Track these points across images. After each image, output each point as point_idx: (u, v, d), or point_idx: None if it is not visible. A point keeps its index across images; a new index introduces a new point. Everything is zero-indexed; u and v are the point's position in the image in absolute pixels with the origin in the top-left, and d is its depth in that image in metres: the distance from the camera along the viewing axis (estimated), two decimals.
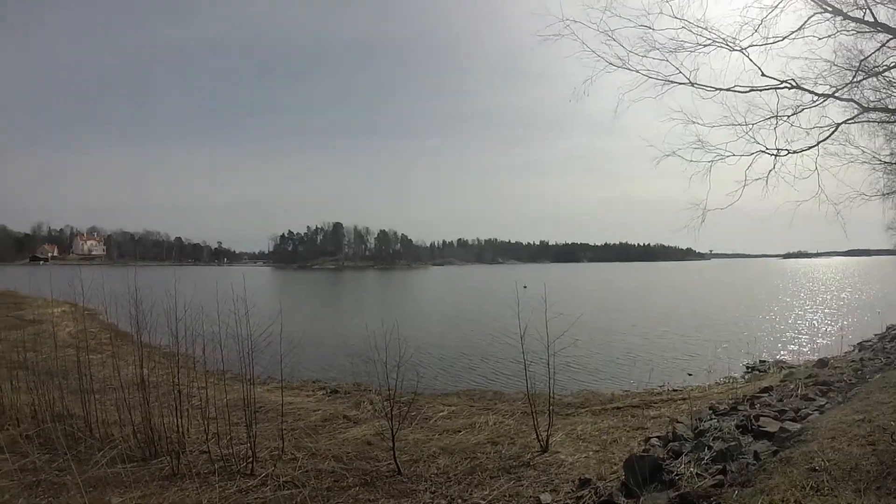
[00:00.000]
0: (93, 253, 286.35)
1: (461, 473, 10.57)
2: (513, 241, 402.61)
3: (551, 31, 12.95)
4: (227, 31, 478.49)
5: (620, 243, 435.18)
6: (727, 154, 12.88)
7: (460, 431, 13.68)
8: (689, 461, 8.20)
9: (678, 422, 12.02)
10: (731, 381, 22.03)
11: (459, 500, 9.62)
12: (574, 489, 9.41)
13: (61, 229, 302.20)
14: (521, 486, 9.82)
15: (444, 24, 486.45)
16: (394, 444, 10.94)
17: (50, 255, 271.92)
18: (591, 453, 11.47)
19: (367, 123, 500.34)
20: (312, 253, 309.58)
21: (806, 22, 11.53)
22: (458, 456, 11.63)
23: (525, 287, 14.59)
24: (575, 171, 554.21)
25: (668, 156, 13.29)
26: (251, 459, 10.88)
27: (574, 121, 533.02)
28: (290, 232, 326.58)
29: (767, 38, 11.95)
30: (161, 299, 12.83)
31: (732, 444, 8.37)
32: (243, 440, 11.81)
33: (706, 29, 12.18)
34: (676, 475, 7.85)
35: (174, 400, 12.11)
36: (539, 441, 11.67)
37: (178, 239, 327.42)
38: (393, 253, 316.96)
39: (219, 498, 9.50)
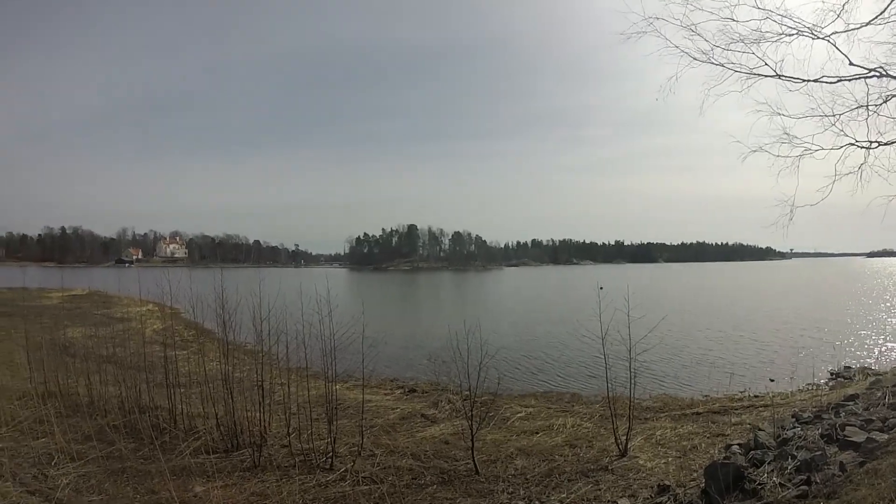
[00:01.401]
0: (175, 256, 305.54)
1: (538, 475, 10.78)
2: (587, 241, 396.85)
3: (634, 30, 12.73)
4: (302, 43, 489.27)
5: (697, 242, 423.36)
6: (815, 148, 12.40)
7: (538, 433, 13.86)
8: (772, 470, 8.18)
9: (760, 429, 11.87)
10: (814, 387, 21.32)
11: (537, 502, 9.75)
12: (653, 495, 9.51)
13: (145, 234, 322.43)
14: (599, 490, 9.97)
15: (513, 27, 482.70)
16: (472, 444, 11.19)
17: (134, 257, 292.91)
18: (670, 459, 11.50)
19: (440, 127, 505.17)
20: (387, 255, 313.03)
21: (890, 4, 11.12)
22: (535, 458, 11.83)
23: (601, 288, 14.39)
24: (651, 169, 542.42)
25: (754, 151, 12.83)
26: (331, 454, 11.38)
27: (649, 118, 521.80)
28: (366, 234, 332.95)
29: (850, 23, 11.52)
30: (246, 299, 13.17)
31: (817, 453, 8.27)
32: (323, 436, 12.32)
33: (788, 17, 11.80)
34: (759, 484, 7.86)
35: (257, 395, 12.50)
36: (618, 445, 11.78)
37: (257, 242, 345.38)
38: (467, 254, 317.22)
39: (299, 490, 9.95)
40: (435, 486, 10.52)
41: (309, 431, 12.43)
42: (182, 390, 14.58)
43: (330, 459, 11.37)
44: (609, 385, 12.89)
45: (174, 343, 16.47)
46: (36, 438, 12.44)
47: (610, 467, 11.13)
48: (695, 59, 12.56)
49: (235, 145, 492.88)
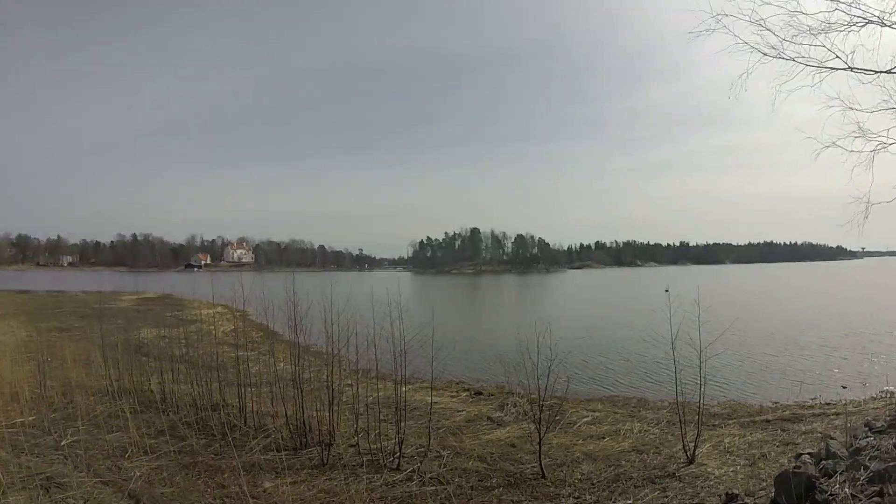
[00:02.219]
0: (242, 260, 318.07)
1: (605, 481, 10.89)
2: (651, 242, 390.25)
3: (703, 27, 12.57)
4: (363, 53, 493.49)
5: (764, 242, 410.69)
6: (890, 141, 12.00)
7: (604, 438, 13.94)
8: (844, 481, 8.08)
9: (831, 438, 11.68)
10: (888, 395, 20.70)
11: None
12: None
13: (213, 240, 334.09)
14: (666, 497, 10.04)
15: (568, 28, 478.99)
16: (540, 448, 11.14)
17: (203, 262, 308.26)
18: (738, 467, 11.49)
19: (500, 130, 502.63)
20: (450, 258, 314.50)
21: None
22: (601, 463, 11.92)
23: (667, 290, 14.25)
24: (716, 167, 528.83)
25: (827, 147, 12.47)
26: (398, 455, 11.50)
27: (714, 115, 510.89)
28: (429, 238, 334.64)
29: None
30: (317, 302, 13.43)
31: (891, 464, 8.09)
32: (390, 436, 12.64)
33: (856, 5, 11.48)
34: (830, 495, 7.78)
35: (326, 395, 12.75)
36: (685, 452, 11.68)
37: (322, 247, 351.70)
38: (530, 257, 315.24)
39: (366, 489, 10.25)
40: (501, 488, 10.66)
41: (376, 431, 12.76)
42: (252, 389, 14.93)
43: (397, 460, 11.68)
44: (678, 390, 12.68)
45: (245, 344, 16.87)
46: (111, 432, 13.07)
47: (677, 474, 11.13)
48: (765, 54, 12.38)
49: (299, 153, 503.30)
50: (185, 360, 18.12)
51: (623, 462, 12.02)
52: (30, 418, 13.80)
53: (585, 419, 16.02)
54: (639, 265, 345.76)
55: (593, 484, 10.83)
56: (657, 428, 15.01)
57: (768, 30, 12.09)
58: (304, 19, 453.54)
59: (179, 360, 17.73)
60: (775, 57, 12.23)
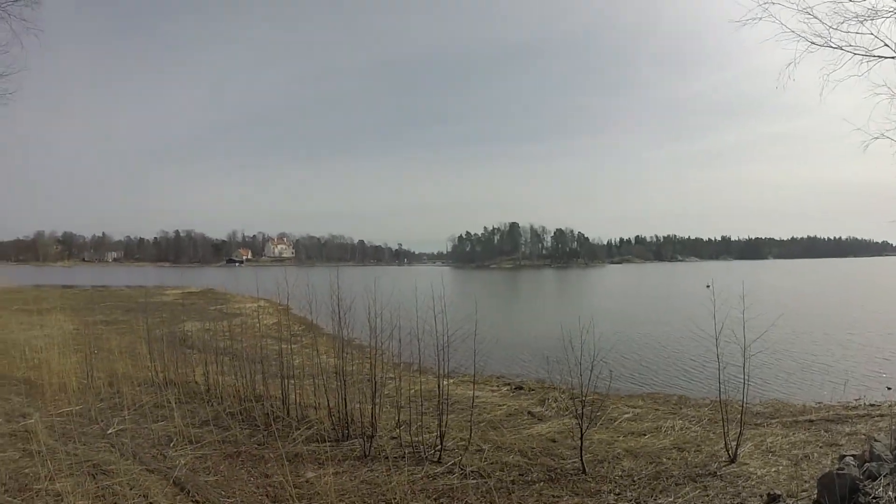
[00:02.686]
0: (283, 255, 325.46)
1: (645, 478, 10.96)
2: (692, 237, 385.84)
3: (749, 16, 12.41)
4: (402, 50, 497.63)
5: (808, 237, 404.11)
6: None
7: (645, 435, 13.96)
8: (888, 484, 8.04)
9: (876, 440, 11.47)
10: None
11: None
12: None
13: (254, 235, 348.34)
14: (708, 495, 10.06)
15: (615, 15, 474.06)
16: (581, 444, 11.17)
17: (244, 258, 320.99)
18: (781, 468, 11.44)
19: (538, 124, 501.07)
20: (489, 252, 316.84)
21: None
22: (642, 460, 11.97)
23: (708, 286, 14.16)
24: (759, 159, 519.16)
25: (876, 138, 12.21)
26: (439, 448, 11.59)
27: (756, 105, 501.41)
28: (468, 233, 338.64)
29: None
30: (360, 296, 13.57)
31: None
32: (431, 429, 12.76)
33: None
34: (874, 498, 7.76)
35: (368, 388, 12.98)
36: (727, 451, 11.58)
37: (361, 241, 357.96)
38: (569, 251, 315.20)
39: (407, 481, 10.43)
40: (542, 483, 10.72)
41: (418, 424, 12.93)
42: (294, 381, 15.08)
43: (438, 452, 11.84)
44: (721, 388, 12.57)
45: (289, 337, 17.10)
46: (156, 422, 13.45)
47: (718, 473, 11.12)
48: (812, 43, 12.19)
49: (338, 150, 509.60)
50: (229, 353, 18.54)
51: (664, 459, 12.03)
52: (77, 408, 14.28)
53: (626, 415, 16.04)
54: (679, 260, 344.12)
55: (634, 481, 10.84)
56: (698, 426, 14.95)
57: (815, 17, 11.93)
58: (340, 16, 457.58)
59: (223, 353, 18.06)
60: (822, 45, 12.05)
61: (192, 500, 9.35)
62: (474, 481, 10.58)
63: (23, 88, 17.35)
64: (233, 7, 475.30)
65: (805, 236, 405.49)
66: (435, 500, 9.90)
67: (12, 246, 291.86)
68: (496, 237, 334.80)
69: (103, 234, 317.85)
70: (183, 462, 11.03)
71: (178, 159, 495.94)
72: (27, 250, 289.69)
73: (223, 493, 9.77)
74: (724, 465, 11.51)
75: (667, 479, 10.88)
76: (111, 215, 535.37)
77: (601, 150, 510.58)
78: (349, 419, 13.27)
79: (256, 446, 12.38)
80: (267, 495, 9.86)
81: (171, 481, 9.98)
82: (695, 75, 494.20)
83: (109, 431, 12.70)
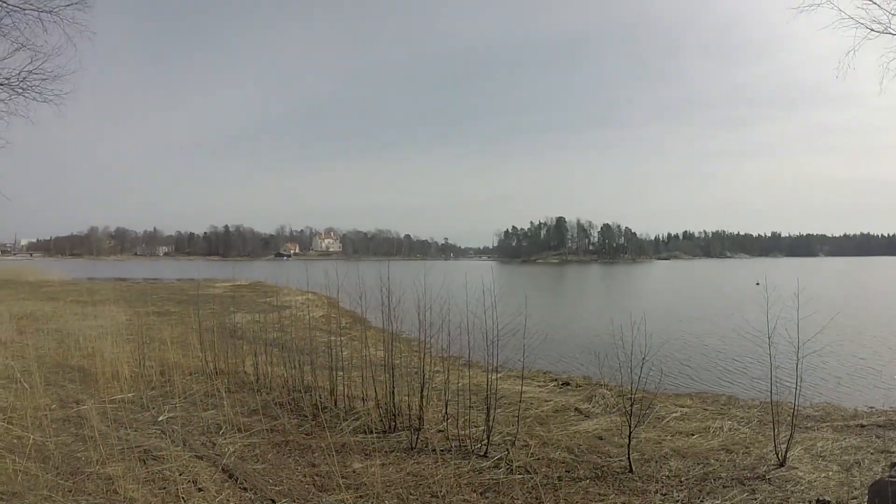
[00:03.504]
0: (330, 250, 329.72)
1: (693, 479, 10.92)
2: (741, 233, 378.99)
3: (808, 3, 12.21)
4: (442, 45, 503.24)
5: (861, 234, 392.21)
6: None
7: (693, 435, 13.84)
8: None
9: None
10: None
11: None
12: None
13: (302, 230, 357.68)
14: (755, 499, 10.07)
15: (650, 10, 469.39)
16: (629, 442, 11.12)
17: (292, 251, 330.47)
18: (830, 473, 11.25)
19: (589, 116, 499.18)
20: (536, 247, 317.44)
21: None
22: (690, 460, 11.92)
23: (758, 284, 13.87)
24: (809, 151, 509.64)
25: None
26: (486, 442, 11.73)
27: (808, 95, 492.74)
28: (514, 227, 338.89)
29: None
30: (410, 289, 13.66)
31: None
32: (477, 423, 12.90)
33: None
34: None
35: (416, 381, 13.23)
36: (777, 454, 11.37)
37: (408, 236, 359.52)
38: (616, 247, 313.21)
39: (454, 474, 10.54)
40: (588, 480, 10.71)
41: (466, 418, 13.21)
42: (342, 373, 15.19)
43: (485, 447, 11.91)
44: (773, 389, 12.38)
45: (338, 329, 17.28)
46: (206, 410, 13.75)
47: (767, 476, 11.00)
48: (872, 30, 11.98)
49: (387, 144, 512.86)
50: (278, 344, 18.96)
51: (712, 461, 11.94)
52: (129, 395, 14.82)
53: (674, 414, 15.94)
54: (728, 256, 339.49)
55: (681, 481, 10.78)
56: (747, 427, 14.76)
57: (874, 3, 11.68)
58: (384, 16, 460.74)
59: (272, 344, 18.34)
60: (882, 32, 11.81)
61: (240, 487, 9.59)
62: (520, 476, 10.60)
63: (77, 89, 17.73)
64: (283, 6, 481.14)
65: (858, 233, 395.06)
66: (481, 493, 9.96)
67: (67, 240, 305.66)
68: (542, 232, 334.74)
69: (154, 229, 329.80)
70: (232, 450, 11.34)
71: (229, 154, 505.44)
72: (81, 245, 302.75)
73: (271, 480, 10.01)
74: (773, 469, 11.36)
75: (714, 480, 10.79)
76: (162, 211, 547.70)
77: (652, 141, 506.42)
78: (396, 411, 13.44)
79: (304, 436, 12.61)
80: (314, 484, 10.03)
81: (220, 468, 10.29)
82: (748, 64, 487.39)
83: (160, 418, 13.12)
